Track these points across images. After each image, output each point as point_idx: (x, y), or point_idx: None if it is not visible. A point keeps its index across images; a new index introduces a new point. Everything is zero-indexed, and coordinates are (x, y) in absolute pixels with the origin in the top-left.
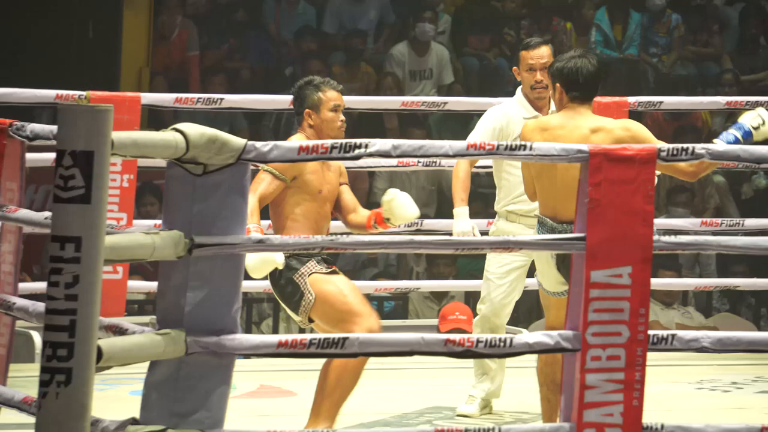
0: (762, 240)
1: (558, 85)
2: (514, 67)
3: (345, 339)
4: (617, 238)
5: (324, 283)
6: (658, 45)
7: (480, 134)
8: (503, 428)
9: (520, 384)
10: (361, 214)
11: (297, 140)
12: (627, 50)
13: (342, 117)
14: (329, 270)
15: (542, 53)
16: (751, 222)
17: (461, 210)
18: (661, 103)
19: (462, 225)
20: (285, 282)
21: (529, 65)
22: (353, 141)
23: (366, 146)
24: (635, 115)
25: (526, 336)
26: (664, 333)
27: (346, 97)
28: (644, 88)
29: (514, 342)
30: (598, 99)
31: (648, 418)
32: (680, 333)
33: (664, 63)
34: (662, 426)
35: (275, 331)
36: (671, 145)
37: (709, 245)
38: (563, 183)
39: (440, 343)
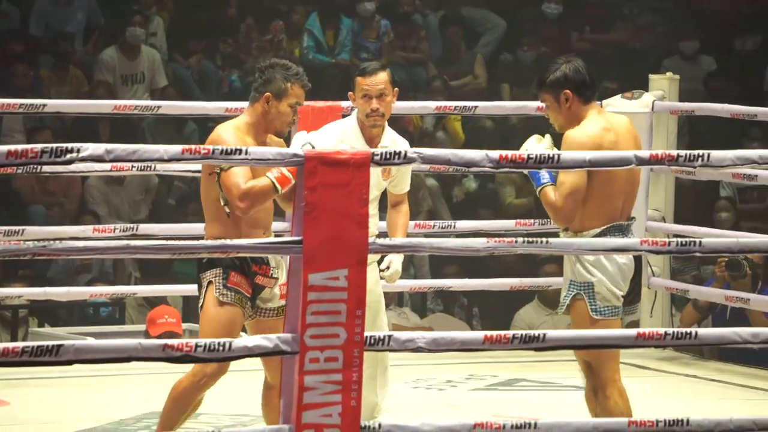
0: (472, 242)
1: (568, 91)
2: (350, 92)
3: (60, 346)
4: (333, 241)
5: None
6: (368, 50)
7: (324, 142)
8: (223, 431)
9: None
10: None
11: (242, 121)
12: (339, 55)
13: (295, 117)
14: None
15: (379, 80)
16: (462, 224)
17: None
18: None
19: None
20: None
21: (364, 91)
22: (65, 145)
23: (78, 150)
24: None
25: (245, 340)
26: (381, 334)
27: (55, 102)
28: None
29: (233, 346)
30: (311, 104)
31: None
32: (396, 334)
33: None
34: (379, 425)
35: None
36: (383, 150)
37: (423, 247)
38: (632, 181)
39: (158, 348)
